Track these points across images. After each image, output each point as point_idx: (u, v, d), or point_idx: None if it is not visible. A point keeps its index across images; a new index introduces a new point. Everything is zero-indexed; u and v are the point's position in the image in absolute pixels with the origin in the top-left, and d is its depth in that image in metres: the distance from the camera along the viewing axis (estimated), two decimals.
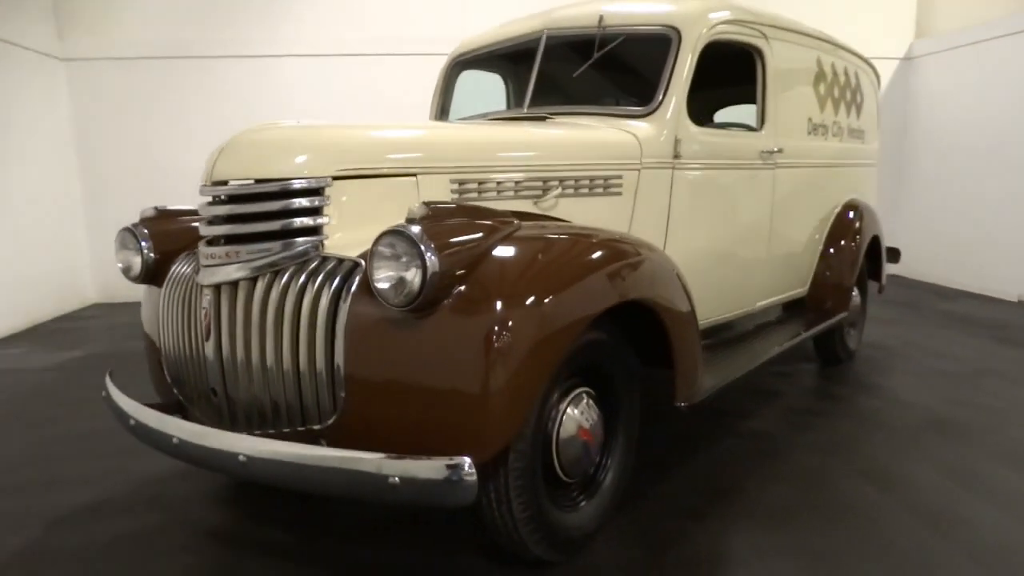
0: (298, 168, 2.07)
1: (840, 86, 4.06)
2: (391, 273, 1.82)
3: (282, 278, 2.02)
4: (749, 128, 3.35)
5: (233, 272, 2.07)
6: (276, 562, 2.28)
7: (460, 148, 2.35)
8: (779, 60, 3.41)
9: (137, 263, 2.49)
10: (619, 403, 2.39)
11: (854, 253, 4.12)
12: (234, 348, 2.08)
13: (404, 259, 1.80)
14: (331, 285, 1.96)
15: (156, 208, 2.63)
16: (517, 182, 2.46)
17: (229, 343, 2.08)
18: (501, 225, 2.01)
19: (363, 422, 1.92)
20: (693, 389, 2.53)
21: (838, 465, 2.94)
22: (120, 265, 2.55)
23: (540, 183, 2.52)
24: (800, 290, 4.00)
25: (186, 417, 2.21)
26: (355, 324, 1.90)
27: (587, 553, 2.28)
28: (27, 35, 6.55)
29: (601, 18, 3.10)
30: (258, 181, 2.07)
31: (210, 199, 2.14)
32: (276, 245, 2.05)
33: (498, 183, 2.41)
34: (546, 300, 1.90)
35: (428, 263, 1.77)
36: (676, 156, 2.88)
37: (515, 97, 3.77)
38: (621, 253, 2.25)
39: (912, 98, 8.12)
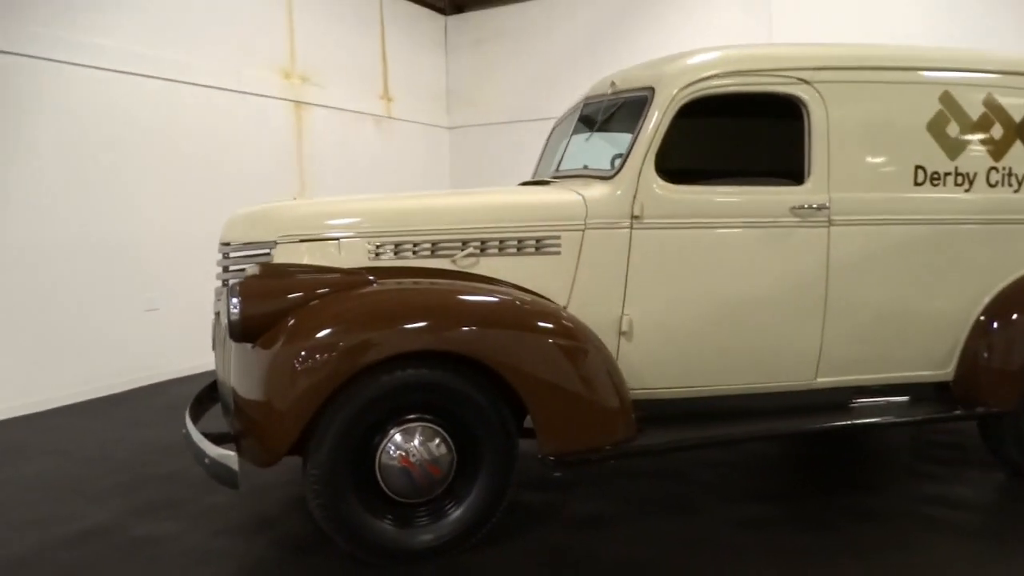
0: (254, 235, 2.92)
1: (1011, 125, 3.17)
2: (225, 314, 2.55)
3: None
4: (784, 182, 3.00)
5: (219, 306, 3.03)
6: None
7: (376, 218, 2.88)
8: (842, 104, 2.97)
9: None
10: (480, 449, 2.64)
11: None
12: (217, 358, 3.04)
13: (227, 305, 2.52)
14: None
15: None
16: (434, 243, 2.87)
17: (215, 354, 3.06)
18: (330, 280, 2.59)
19: (239, 417, 2.68)
20: (557, 447, 2.62)
21: None
22: None
23: (459, 244, 2.88)
24: (932, 372, 3.22)
25: None
26: (235, 348, 2.69)
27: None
28: (424, 113, 8.74)
29: (612, 84, 3.22)
30: (235, 244, 2.99)
31: (220, 255, 3.14)
32: None
33: (414, 244, 2.86)
34: (316, 343, 2.43)
35: (231, 308, 2.46)
36: (636, 216, 2.87)
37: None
38: (448, 306, 2.60)
39: None
